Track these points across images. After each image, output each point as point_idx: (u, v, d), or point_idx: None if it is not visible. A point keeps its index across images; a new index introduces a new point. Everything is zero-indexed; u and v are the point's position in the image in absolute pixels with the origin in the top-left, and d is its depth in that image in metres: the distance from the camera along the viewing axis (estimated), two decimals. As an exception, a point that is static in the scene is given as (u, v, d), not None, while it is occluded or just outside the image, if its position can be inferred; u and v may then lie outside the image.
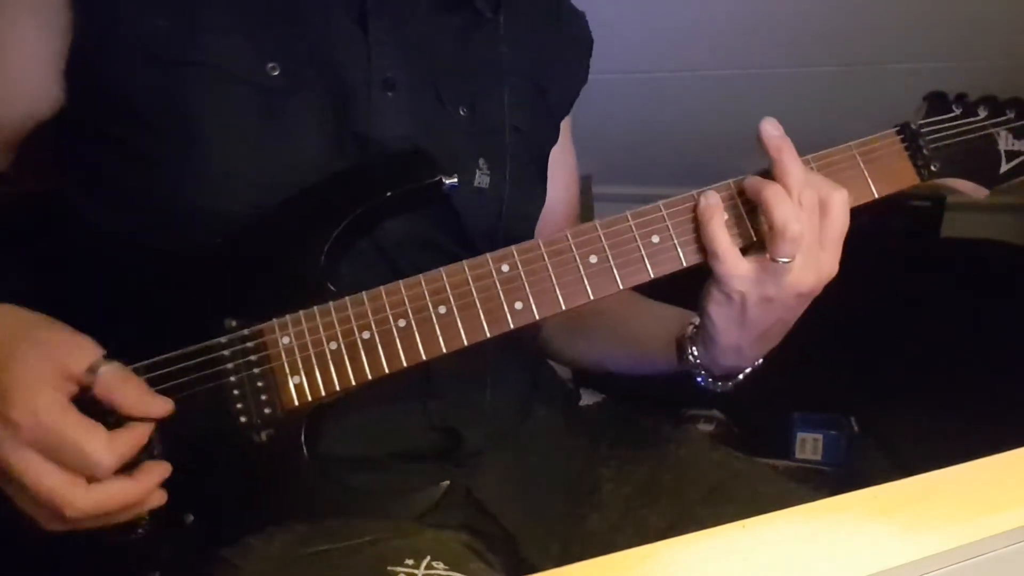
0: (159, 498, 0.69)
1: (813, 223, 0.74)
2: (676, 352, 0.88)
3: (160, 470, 0.68)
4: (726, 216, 0.76)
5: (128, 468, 0.67)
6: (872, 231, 0.80)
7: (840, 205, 0.75)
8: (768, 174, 0.77)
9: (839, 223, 0.75)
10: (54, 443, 0.63)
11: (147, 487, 0.67)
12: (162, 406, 0.69)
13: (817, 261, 0.75)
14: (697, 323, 0.84)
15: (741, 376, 0.86)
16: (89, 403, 0.66)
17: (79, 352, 0.66)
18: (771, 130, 0.76)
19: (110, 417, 0.67)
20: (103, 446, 0.64)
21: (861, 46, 1.58)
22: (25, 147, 0.82)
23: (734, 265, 0.75)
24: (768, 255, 0.74)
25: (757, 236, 0.77)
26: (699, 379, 0.87)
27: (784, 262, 0.73)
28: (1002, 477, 0.55)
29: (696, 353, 0.85)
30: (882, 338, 1.82)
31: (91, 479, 0.64)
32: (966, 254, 1.92)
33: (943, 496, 0.53)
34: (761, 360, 0.85)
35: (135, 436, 0.67)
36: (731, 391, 0.87)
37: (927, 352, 1.77)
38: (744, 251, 0.76)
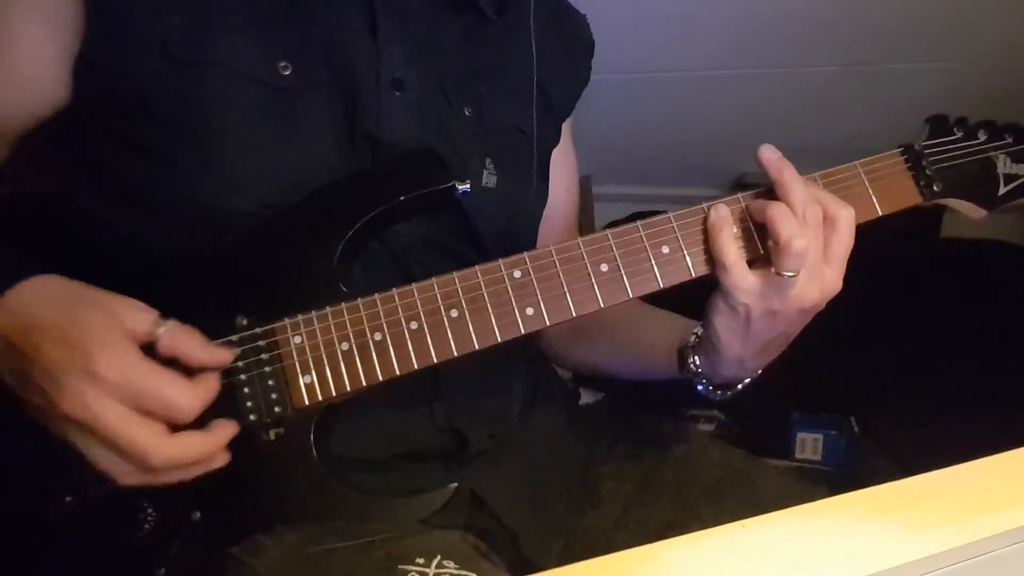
0: (224, 458, 0.70)
1: (818, 238, 0.76)
2: (677, 360, 0.88)
3: (230, 427, 0.70)
4: (735, 229, 0.77)
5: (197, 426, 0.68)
6: (872, 231, 0.80)
7: (847, 222, 0.76)
8: (773, 193, 0.78)
9: (845, 240, 0.77)
10: (139, 392, 0.64)
11: (221, 441, 0.69)
12: (226, 355, 0.71)
13: (821, 277, 0.76)
14: (699, 333, 0.85)
15: (740, 386, 0.87)
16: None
17: (138, 312, 0.68)
18: (770, 155, 0.78)
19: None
20: (186, 391, 0.66)
21: (861, 46, 1.58)
22: (27, 144, 0.82)
23: (741, 277, 0.76)
24: (774, 269, 0.75)
25: (764, 250, 0.78)
26: (699, 387, 0.88)
27: (789, 276, 0.74)
28: (1002, 477, 0.55)
29: (697, 362, 0.86)
30: (882, 338, 1.82)
31: (174, 428, 0.66)
32: (966, 254, 1.92)
33: (943, 496, 0.53)
34: (760, 371, 0.86)
35: (210, 383, 0.69)
36: (729, 400, 0.88)
37: (927, 352, 1.77)
38: (751, 264, 0.77)
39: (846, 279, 0.79)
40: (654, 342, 0.93)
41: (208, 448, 0.68)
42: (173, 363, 0.68)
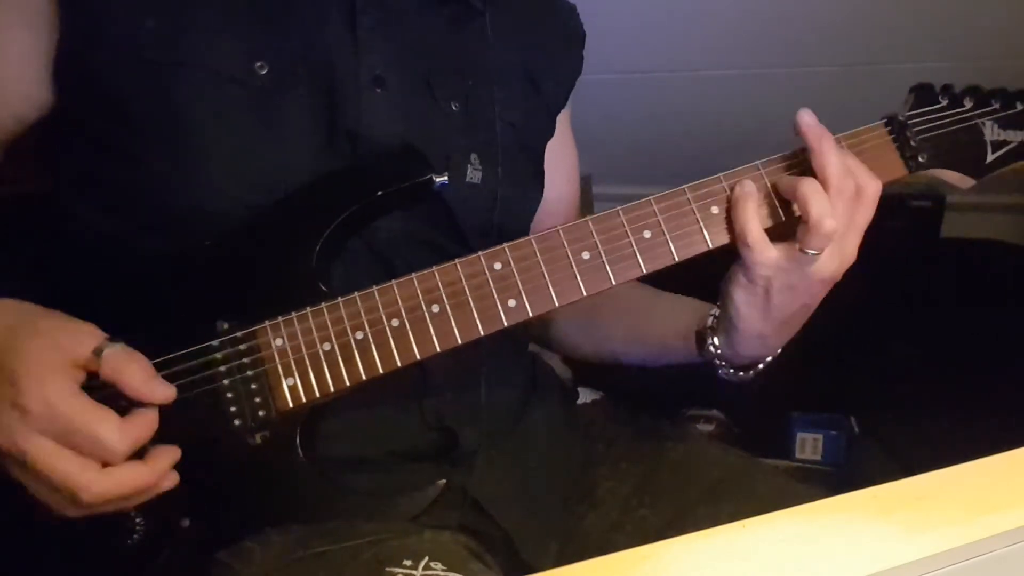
0: (172, 480, 0.69)
1: (848, 213, 0.74)
2: (696, 343, 0.87)
3: (171, 453, 0.69)
4: (758, 200, 0.76)
5: (140, 454, 0.67)
6: (872, 231, 0.79)
7: (873, 196, 0.75)
8: (797, 161, 0.77)
9: (869, 212, 0.76)
10: (67, 428, 0.63)
11: (159, 470, 0.68)
12: (166, 391, 0.69)
13: (843, 250, 0.76)
14: (717, 313, 0.84)
15: (761, 365, 0.85)
16: (97, 392, 0.66)
17: (83, 337, 0.67)
18: (809, 119, 0.76)
19: (122, 402, 0.67)
20: (115, 429, 0.65)
21: (861, 46, 1.58)
22: (15, 148, 0.82)
23: (763, 252, 0.75)
24: (798, 246, 0.74)
25: (785, 216, 0.77)
26: (719, 371, 0.87)
27: (813, 254, 0.74)
28: (1002, 477, 0.55)
29: (716, 343, 0.85)
30: (882, 338, 1.82)
31: (105, 463, 0.65)
32: (966, 254, 1.92)
33: (943, 496, 0.53)
34: (780, 350, 0.85)
35: (147, 420, 0.67)
36: (750, 381, 0.86)
37: (927, 352, 1.77)
38: (770, 232, 0.76)
39: (846, 279, 0.78)
40: (670, 326, 0.91)
41: (144, 479, 0.67)
42: None
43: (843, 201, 0.74)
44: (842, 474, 1.75)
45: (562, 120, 1.03)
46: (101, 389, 0.66)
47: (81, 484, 0.64)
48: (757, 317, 0.79)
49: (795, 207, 0.75)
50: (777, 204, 0.77)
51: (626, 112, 1.80)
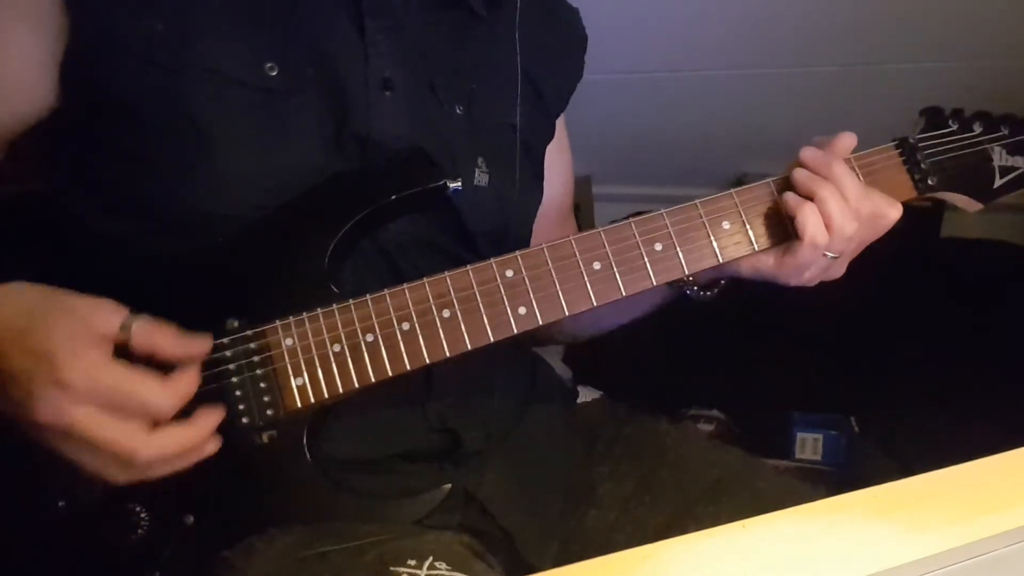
0: (215, 445, 0.70)
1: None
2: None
3: (216, 414, 0.70)
4: (762, 216, 0.79)
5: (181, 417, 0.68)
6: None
7: (891, 223, 0.80)
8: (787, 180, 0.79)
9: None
10: (112, 396, 0.64)
11: (205, 430, 0.69)
12: (203, 344, 0.70)
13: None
14: None
15: (723, 281, 0.86)
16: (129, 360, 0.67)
17: (108, 312, 0.67)
18: (812, 154, 0.80)
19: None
20: (159, 389, 0.66)
21: (861, 46, 1.58)
22: (16, 148, 0.82)
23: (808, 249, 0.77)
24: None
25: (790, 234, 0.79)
26: (685, 289, 0.87)
27: (832, 257, 0.77)
28: (1002, 477, 0.55)
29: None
30: (882, 338, 1.82)
31: (154, 425, 0.66)
32: (966, 254, 1.92)
33: (943, 496, 0.53)
34: None
35: (187, 378, 0.68)
36: (716, 296, 0.87)
37: (927, 352, 1.77)
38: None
39: (846, 279, 0.79)
40: None
41: (192, 438, 0.68)
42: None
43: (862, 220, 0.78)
44: (842, 474, 1.75)
45: (559, 123, 1.04)
46: (131, 360, 0.67)
47: (135, 446, 0.64)
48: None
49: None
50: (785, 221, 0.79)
51: (626, 112, 1.80)
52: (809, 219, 0.76)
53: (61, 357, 0.63)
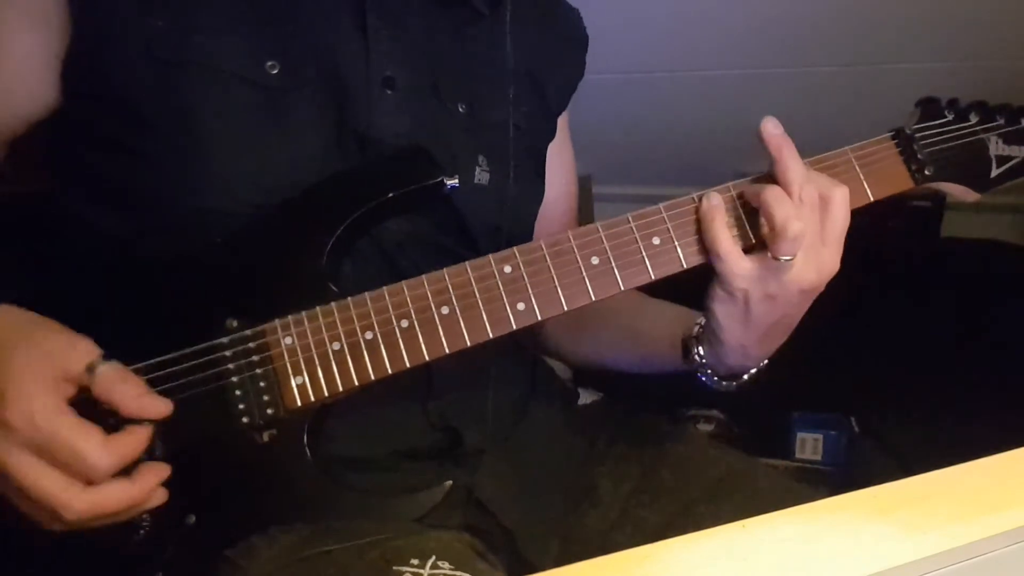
0: (159, 497, 0.68)
1: (814, 220, 0.75)
2: (681, 352, 0.87)
3: (158, 471, 0.68)
4: (727, 217, 0.77)
5: (128, 470, 0.66)
6: (872, 231, 0.80)
7: (841, 202, 0.75)
8: (766, 178, 0.77)
9: (840, 220, 0.76)
10: (50, 445, 0.62)
11: (145, 489, 0.67)
12: (160, 407, 0.68)
13: (819, 258, 0.75)
14: (703, 323, 0.84)
15: (746, 376, 0.86)
16: (90, 406, 0.65)
17: (76, 352, 0.66)
18: (772, 129, 0.77)
19: (111, 419, 0.66)
20: (99, 447, 0.63)
21: (861, 46, 1.58)
22: (19, 147, 0.82)
23: (736, 263, 0.75)
24: (770, 254, 0.74)
25: (756, 238, 0.77)
26: (703, 379, 0.87)
27: (786, 260, 0.74)
28: (1002, 477, 0.55)
29: (702, 352, 0.85)
30: (882, 338, 1.82)
31: (89, 481, 0.64)
32: (966, 254, 1.92)
33: (943, 496, 0.53)
34: (766, 361, 0.85)
35: (134, 438, 0.66)
36: (735, 391, 0.87)
37: (927, 352, 1.77)
38: (745, 251, 0.77)
39: (847, 279, 0.78)
40: (657, 334, 0.92)
41: (129, 497, 0.65)
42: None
43: (807, 208, 0.74)
44: (842, 474, 1.75)
45: (561, 122, 1.04)
46: (93, 407, 0.66)
47: (62, 502, 0.62)
48: (738, 329, 0.79)
49: (763, 220, 0.76)
50: (747, 223, 0.78)
51: (626, 112, 1.80)
52: (776, 200, 0.73)
53: (10, 396, 0.62)
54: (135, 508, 0.67)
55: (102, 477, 0.64)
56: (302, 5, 0.79)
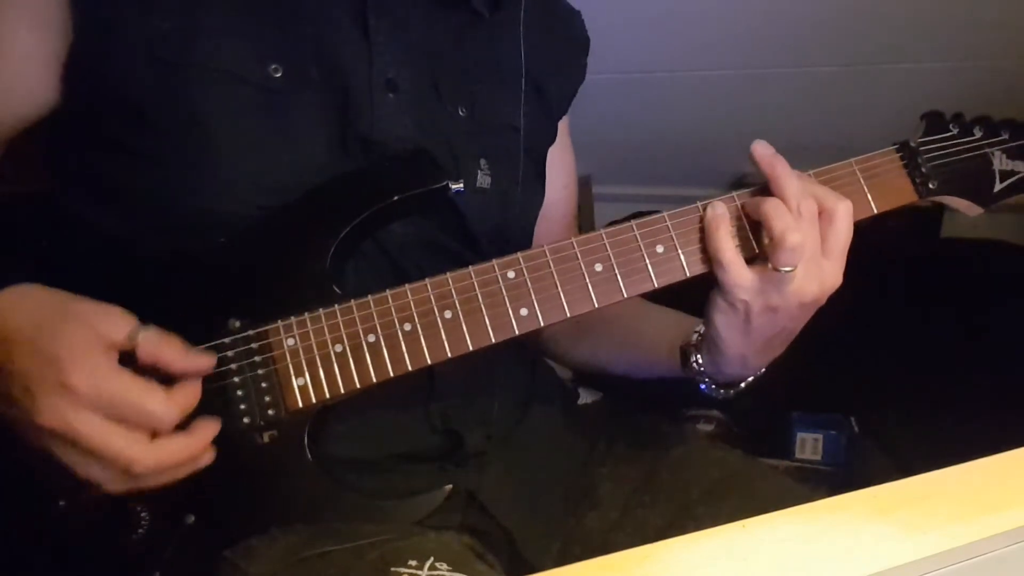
0: (211, 456, 0.70)
1: (814, 232, 0.75)
2: (680, 359, 0.88)
3: (213, 425, 0.70)
4: (731, 227, 0.77)
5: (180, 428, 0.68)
6: (872, 231, 0.80)
7: (844, 215, 0.76)
8: (768, 189, 0.78)
9: (843, 233, 0.76)
10: (115, 404, 0.64)
11: (203, 441, 0.69)
12: (207, 360, 0.70)
13: (820, 271, 0.76)
14: (702, 331, 0.84)
15: (743, 384, 0.86)
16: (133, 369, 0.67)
17: (116, 320, 0.67)
18: (762, 150, 0.77)
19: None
20: (163, 402, 0.66)
21: (861, 46, 1.58)
22: (19, 147, 0.82)
23: (738, 274, 0.76)
24: (771, 265, 0.74)
25: (759, 248, 0.77)
26: (702, 386, 0.88)
27: (786, 271, 0.74)
28: (1002, 477, 0.55)
29: (700, 360, 0.85)
30: (882, 338, 1.82)
31: (153, 435, 0.66)
32: (966, 254, 1.92)
33: (943, 496, 0.53)
34: (763, 369, 0.85)
35: (190, 391, 0.69)
36: (732, 398, 0.88)
37: (927, 352, 1.77)
38: (749, 261, 0.77)
39: (846, 279, 0.78)
40: (656, 339, 0.92)
41: (190, 450, 0.68)
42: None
43: (806, 221, 0.74)
44: (842, 474, 1.75)
45: (561, 126, 1.04)
46: (137, 370, 0.67)
47: (134, 456, 0.65)
48: (738, 339, 0.80)
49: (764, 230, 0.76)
50: (751, 233, 0.78)
51: (626, 112, 1.80)
52: (775, 211, 0.74)
53: (67, 361, 0.63)
54: (194, 462, 0.69)
55: (167, 429, 0.66)
56: (304, 7, 0.80)
